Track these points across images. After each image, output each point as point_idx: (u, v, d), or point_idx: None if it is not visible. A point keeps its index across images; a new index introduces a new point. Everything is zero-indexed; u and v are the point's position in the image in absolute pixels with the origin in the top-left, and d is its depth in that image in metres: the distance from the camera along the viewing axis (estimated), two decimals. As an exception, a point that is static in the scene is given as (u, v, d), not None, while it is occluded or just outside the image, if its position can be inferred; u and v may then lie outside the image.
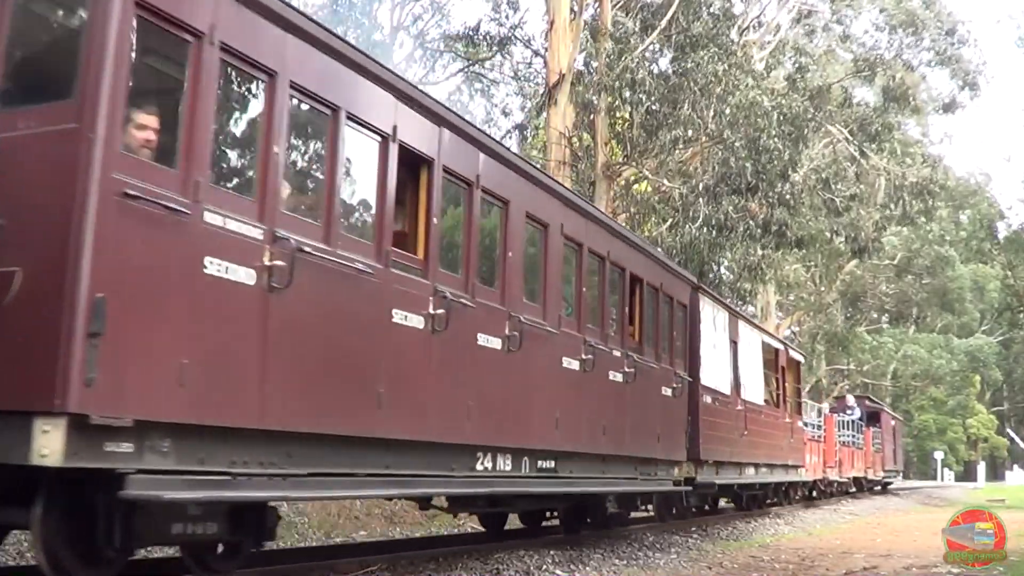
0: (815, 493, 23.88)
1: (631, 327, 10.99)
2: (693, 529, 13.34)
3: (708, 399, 13.32)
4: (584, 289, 9.50)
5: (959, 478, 59.61)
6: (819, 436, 23.36)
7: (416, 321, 6.57)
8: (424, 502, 8.62)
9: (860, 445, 28.95)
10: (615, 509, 11.22)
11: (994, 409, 72.87)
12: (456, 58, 33.50)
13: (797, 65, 22.60)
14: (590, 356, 9.29)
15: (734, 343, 15.16)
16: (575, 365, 9.09)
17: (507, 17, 27.93)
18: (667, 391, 11.82)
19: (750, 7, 23.31)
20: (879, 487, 33.87)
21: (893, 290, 44.55)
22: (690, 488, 12.74)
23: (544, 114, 22.52)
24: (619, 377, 10.15)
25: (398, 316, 6.41)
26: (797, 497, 22.42)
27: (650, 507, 13.69)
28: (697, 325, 13.35)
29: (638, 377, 10.57)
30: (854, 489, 28.93)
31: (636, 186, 22.81)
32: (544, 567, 8.35)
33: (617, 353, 10.19)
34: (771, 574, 9.37)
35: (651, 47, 20.60)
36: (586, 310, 9.51)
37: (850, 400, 31.26)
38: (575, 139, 21.35)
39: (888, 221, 29.55)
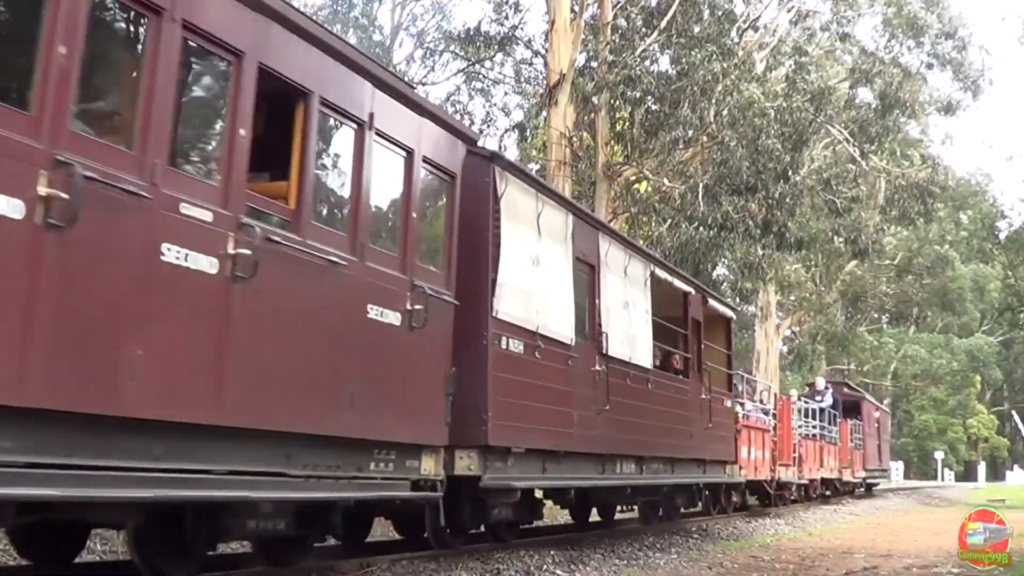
0: (772, 499, 19.57)
1: (281, 182, 5.89)
2: (693, 529, 13.33)
3: (512, 345, 8.06)
4: (61, 50, 4.18)
5: (959, 478, 59.64)
6: (767, 424, 18.51)
7: None
8: None
9: (833, 439, 24.31)
10: (263, 526, 6.06)
11: (994, 409, 72.90)
12: (456, 58, 33.57)
13: (797, 65, 22.58)
14: (70, 197, 4.15)
15: (589, 266, 9.81)
16: (12, 210, 3.99)
17: (507, 17, 28.00)
18: (389, 316, 6.53)
19: (751, 7, 23.31)
20: (861, 489, 30.07)
21: (893, 290, 44.59)
22: (440, 494, 7.28)
23: (544, 114, 22.54)
24: (212, 265, 5.01)
25: None
26: (737, 504, 18.19)
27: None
28: (488, 217, 7.95)
29: (283, 273, 5.53)
30: (827, 492, 24.74)
31: (636, 186, 22.83)
32: (544, 567, 8.35)
33: (204, 215, 4.96)
34: (771, 574, 9.37)
35: (652, 47, 20.62)
36: (64, 95, 4.25)
37: (820, 384, 25.76)
38: (575, 139, 21.37)
39: (888, 223, 29.52)
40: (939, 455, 59.04)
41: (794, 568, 9.77)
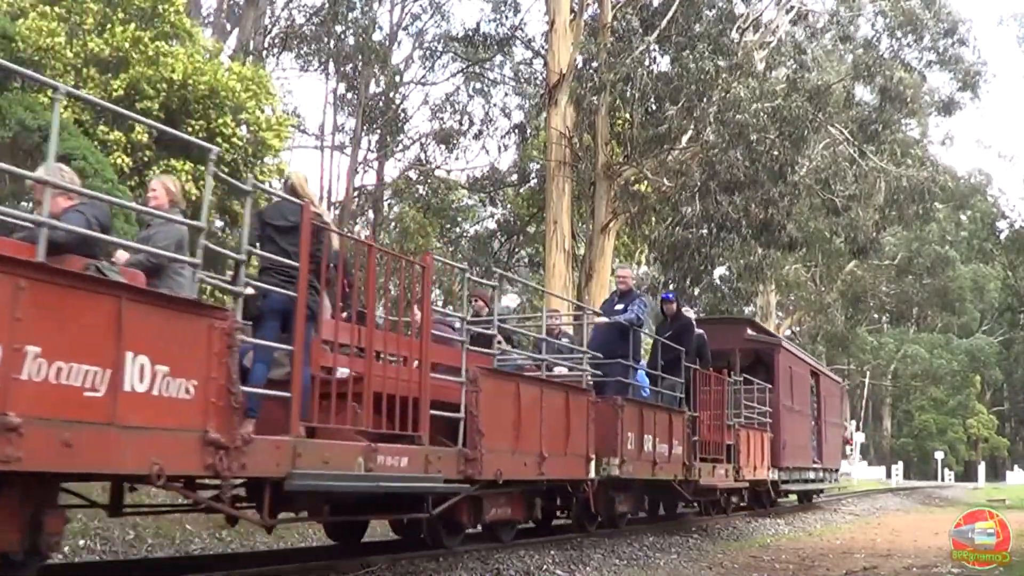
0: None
1: None
2: (693, 529, 13.33)
3: None
4: None
5: (959, 478, 59.61)
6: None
7: None
8: None
9: (673, 404, 11.79)
10: None
11: (994, 409, 72.90)
12: (455, 59, 33.58)
13: (798, 64, 22.60)
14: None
15: None
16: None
17: (506, 18, 28.09)
18: None
19: (751, 8, 23.32)
20: (780, 499, 19.17)
21: (893, 290, 44.63)
22: None
23: (544, 114, 22.56)
24: None
25: None
26: None
27: None
28: None
29: None
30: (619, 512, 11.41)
31: (636, 186, 22.85)
32: (544, 567, 8.34)
33: None
34: (771, 574, 9.36)
35: (652, 47, 20.63)
36: None
37: (626, 277, 11.95)
38: (575, 139, 21.37)
39: (887, 223, 29.48)
40: (939, 455, 59.02)
41: (794, 568, 9.77)
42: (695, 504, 15.07)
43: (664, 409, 11.58)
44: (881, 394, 66.88)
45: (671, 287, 23.23)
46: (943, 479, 55.51)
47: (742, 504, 17.07)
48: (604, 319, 11.26)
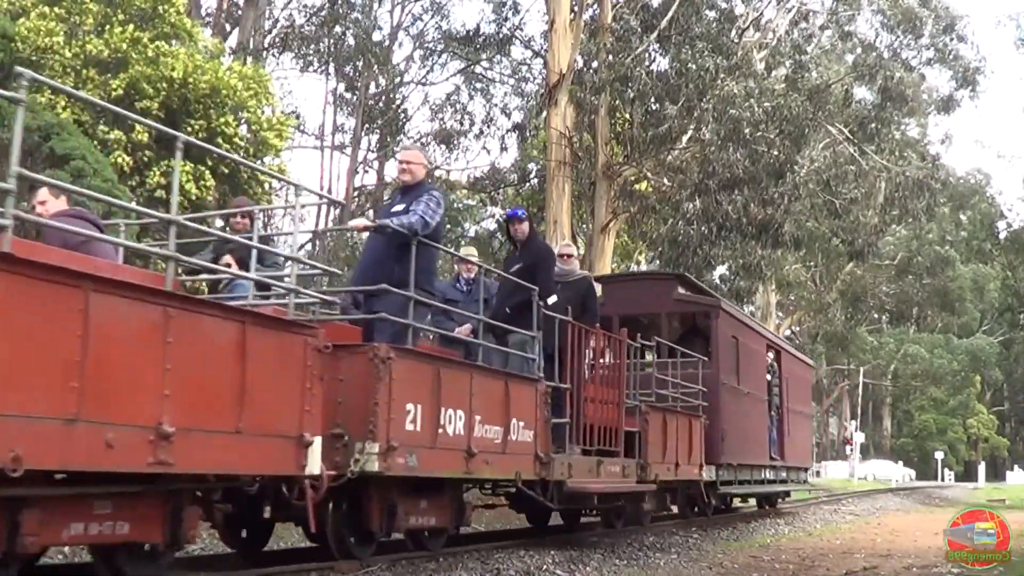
0: None
1: None
2: (693, 529, 13.32)
3: None
4: None
5: (959, 478, 59.66)
6: None
7: None
8: None
9: (524, 369, 8.14)
10: None
11: (994, 409, 72.95)
12: (455, 58, 33.60)
13: (796, 64, 22.60)
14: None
15: None
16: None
17: (506, 18, 28.11)
18: None
19: (750, 8, 23.33)
20: (716, 508, 14.12)
21: (893, 290, 44.66)
22: None
23: (544, 114, 22.57)
24: None
25: None
26: None
27: None
28: None
29: None
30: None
31: (636, 186, 22.86)
32: (544, 567, 8.34)
33: None
34: (771, 574, 9.36)
35: (651, 47, 20.64)
36: None
37: (405, 158, 7.26)
38: (575, 139, 21.38)
39: (887, 223, 29.50)
40: (939, 455, 59.09)
41: (794, 568, 9.77)
42: (595, 512, 11.65)
43: (493, 373, 7.57)
44: (881, 394, 66.89)
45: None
46: (943, 479, 55.54)
47: (668, 511, 13.54)
48: (360, 221, 8.03)
